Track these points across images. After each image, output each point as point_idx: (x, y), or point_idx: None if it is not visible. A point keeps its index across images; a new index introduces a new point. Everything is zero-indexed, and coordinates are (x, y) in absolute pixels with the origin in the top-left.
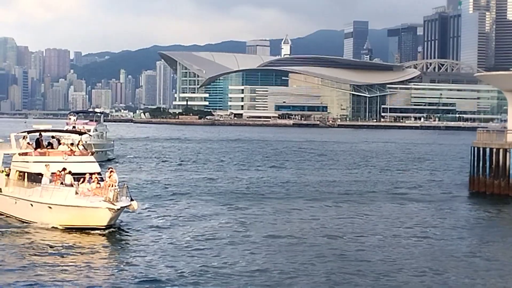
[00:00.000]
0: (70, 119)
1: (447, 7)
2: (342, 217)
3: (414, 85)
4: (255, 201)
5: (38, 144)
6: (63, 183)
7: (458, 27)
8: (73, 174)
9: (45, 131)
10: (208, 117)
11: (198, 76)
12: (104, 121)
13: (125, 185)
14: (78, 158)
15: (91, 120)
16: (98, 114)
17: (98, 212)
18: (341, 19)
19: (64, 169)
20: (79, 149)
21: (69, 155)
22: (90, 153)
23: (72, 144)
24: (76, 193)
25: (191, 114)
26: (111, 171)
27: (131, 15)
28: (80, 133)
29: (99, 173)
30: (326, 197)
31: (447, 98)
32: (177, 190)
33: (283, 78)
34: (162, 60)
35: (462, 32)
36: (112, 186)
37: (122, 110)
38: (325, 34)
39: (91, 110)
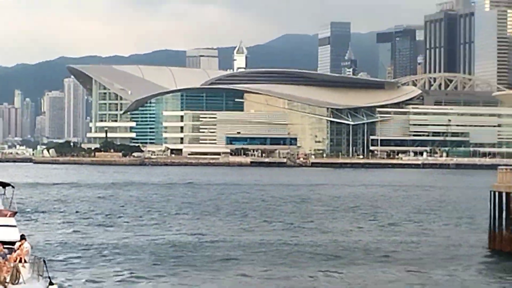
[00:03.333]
0: None
1: (456, 3)
2: None
3: (413, 108)
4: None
5: None
6: None
7: (471, 29)
8: None
9: None
10: (135, 154)
11: (121, 99)
12: None
13: (41, 260)
14: None
15: None
16: None
17: None
18: (314, 21)
19: None
20: None
21: None
22: (9, 214)
23: None
24: None
25: (112, 151)
26: (21, 239)
27: (25, 16)
28: (3, 185)
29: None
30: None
31: (458, 125)
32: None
33: (236, 100)
34: (72, 76)
35: (476, 37)
36: (19, 260)
37: (17, 146)
38: (293, 39)
39: None
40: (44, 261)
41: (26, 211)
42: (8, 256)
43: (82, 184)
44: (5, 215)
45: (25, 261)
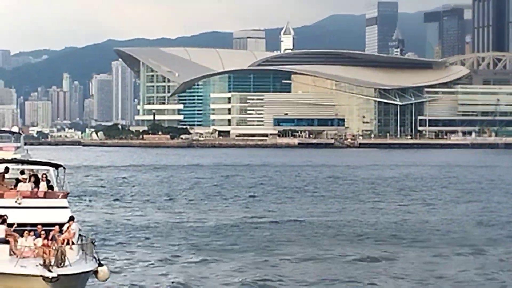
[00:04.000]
0: None
1: None
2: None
3: (462, 88)
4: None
5: None
6: None
7: None
8: (18, 225)
9: (5, 161)
10: (183, 136)
11: (169, 81)
12: (25, 144)
13: (90, 241)
14: (34, 201)
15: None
16: (17, 134)
17: (30, 283)
18: (361, 0)
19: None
20: (47, 188)
21: (27, 197)
22: (61, 195)
23: (43, 180)
24: (12, 253)
25: (160, 133)
26: (69, 220)
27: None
28: (56, 166)
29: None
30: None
31: (507, 105)
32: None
33: (284, 81)
34: (120, 59)
35: None
36: (67, 242)
37: (66, 129)
38: (340, 20)
39: (5, 129)
40: (93, 242)
41: (80, 193)
42: (56, 238)
43: (144, 165)
44: (58, 197)
45: (72, 243)
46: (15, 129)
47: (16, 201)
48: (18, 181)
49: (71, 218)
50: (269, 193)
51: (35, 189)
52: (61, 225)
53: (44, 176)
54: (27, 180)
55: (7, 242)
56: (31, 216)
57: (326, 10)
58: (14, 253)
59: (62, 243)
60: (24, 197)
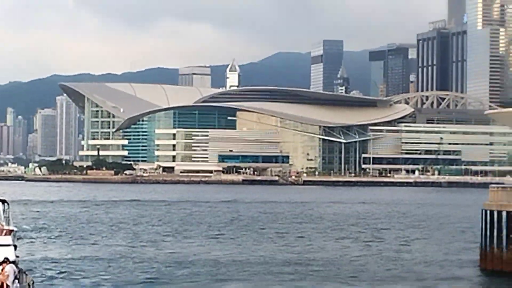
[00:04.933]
0: None
1: (448, 22)
2: None
3: (406, 126)
4: None
5: None
6: None
7: (463, 48)
8: None
9: None
10: (127, 172)
11: (113, 116)
12: None
13: (28, 282)
14: None
15: None
16: None
17: None
18: (306, 38)
19: None
20: None
21: None
22: (5, 232)
23: None
24: None
25: (104, 168)
26: (2, 262)
27: (18, 34)
28: (1, 201)
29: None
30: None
31: (450, 144)
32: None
33: (229, 118)
34: (65, 94)
35: (468, 55)
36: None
37: (9, 164)
38: (286, 58)
39: None
40: (32, 283)
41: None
42: None
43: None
44: (1, 233)
45: (7, 286)
46: None
47: None
48: None
49: (4, 260)
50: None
51: None
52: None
53: None
54: None
55: None
56: None
57: (272, 48)
58: None
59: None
60: None
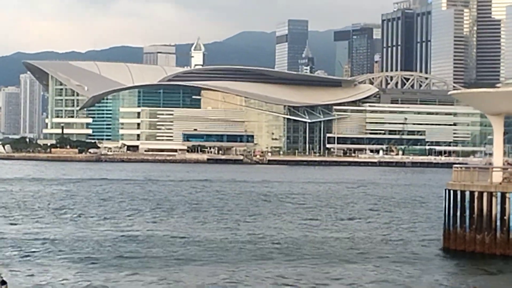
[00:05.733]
0: None
1: (413, 2)
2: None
3: (370, 106)
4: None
5: None
6: None
7: (428, 28)
8: None
9: None
10: (91, 150)
11: (78, 95)
12: None
13: None
14: None
15: None
16: None
17: None
18: (271, 18)
19: None
20: None
21: None
22: None
23: None
24: None
25: (68, 147)
26: None
27: None
28: None
29: None
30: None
31: (414, 124)
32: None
33: (193, 97)
34: (28, 72)
35: (432, 36)
36: None
37: None
38: (250, 37)
39: None
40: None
41: None
42: None
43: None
44: None
45: None
46: None
47: None
48: None
49: None
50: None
51: None
52: None
53: None
54: None
55: None
56: None
57: (237, 27)
58: None
59: None
60: None
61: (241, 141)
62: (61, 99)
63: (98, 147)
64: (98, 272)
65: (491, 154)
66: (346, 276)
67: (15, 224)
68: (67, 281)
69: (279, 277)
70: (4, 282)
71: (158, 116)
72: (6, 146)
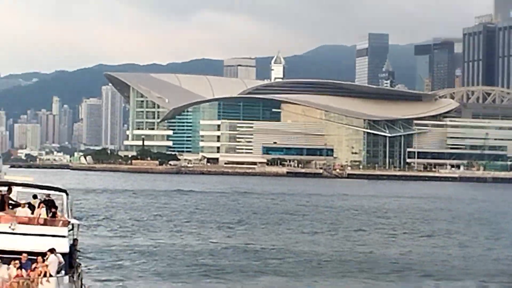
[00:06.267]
0: None
1: (495, 17)
2: None
3: (451, 121)
4: None
5: (3, 205)
6: None
7: (510, 43)
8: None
9: (13, 184)
10: (171, 162)
11: (158, 107)
12: (13, 167)
13: (76, 271)
14: (29, 228)
15: None
16: None
17: None
18: (352, 31)
19: None
20: (47, 215)
21: (24, 223)
22: (61, 223)
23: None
24: None
25: (148, 158)
26: (49, 251)
27: (65, 24)
28: (61, 190)
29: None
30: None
31: (495, 139)
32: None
33: (273, 110)
34: (110, 84)
35: None
36: (40, 274)
37: (55, 152)
38: (330, 50)
39: None
40: (78, 274)
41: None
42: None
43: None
44: (57, 224)
45: (50, 275)
46: None
47: (10, 227)
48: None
49: (51, 250)
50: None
51: (35, 215)
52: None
53: (46, 201)
54: (38, 205)
55: None
56: (17, 244)
57: (317, 40)
58: None
59: (39, 275)
60: (21, 223)
61: (320, 155)
62: (142, 111)
63: (178, 159)
64: (180, 282)
65: None
66: None
67: (107, 235)
68: None
69: None
70: (52, 250)
71: (238, 128)
72: (87, 157)
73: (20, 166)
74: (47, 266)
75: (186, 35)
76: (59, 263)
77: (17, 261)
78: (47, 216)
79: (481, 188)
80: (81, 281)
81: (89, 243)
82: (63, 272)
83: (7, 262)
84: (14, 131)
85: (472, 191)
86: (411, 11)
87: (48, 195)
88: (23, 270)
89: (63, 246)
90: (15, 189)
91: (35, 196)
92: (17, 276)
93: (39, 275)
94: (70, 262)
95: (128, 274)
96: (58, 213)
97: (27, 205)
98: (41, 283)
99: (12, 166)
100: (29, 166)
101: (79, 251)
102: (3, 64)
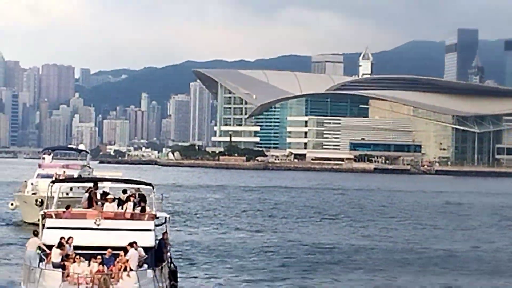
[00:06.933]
0: (44, 158)
1: None
2: None
3: None
4: None
5: (91, 201)
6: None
7: None
8: (82, 248)
9: (101, 180)
10: (259, 158)
11: (246, 103)
12: (102, 162)
13: (160, 268)
14: (114, 223)
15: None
16: (83, 152)
17: None
18: (440, 27)
19: (69, 238)
20: (135, 209)
21: (110, 218)
22: (147, 217)
23: (130, 200)
24: (65, 279)
25: (236, 154)
26: (129, 245)
27: (154, 21)
28: (147, 184)
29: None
30: None
31: None
32: None
33: (361, 106)
34: (198, 80)
35: None
36: (124, 268)
37: (143, 148)
38: (419, 46)
39: (73, 146)
40: (165, 269)
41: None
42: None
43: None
44: (143, 218)
45: (131, 269)
46: (81, 147)
47: (95, 222)
48: (120, 202)
49: (131, 244)
50: None
51: (123, 210)
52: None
53: (133, 196)
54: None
55: (63, 267)
56: (102, 239)
57: (405, 36)
58: (67, 280)
59: (119, 270)
60: (107, 218)
61: (408, 151)
62: (230, 107)
63: (266, 155)
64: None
65: None
66: None
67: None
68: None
69: None
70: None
71: (325, 125)
72: (175, 153)
73: (109, 162)
74: (127, 260)
75: (274, 31)
76: (142, 257)
77: (99, 257)
78: (134, 210)
79: None
80: (170, 275)
81: (180, 238)
82: (145, 266)
83: (89, 258)
84: (103, 127)
85: None
86: (501, 6)
87: (138, 189)
88: (104, 266)
89: (148, 240)
90: (104, 184)
91: (124, 191)
92: (98, 271)
93: (119, 269)
94: (159, 256)
95: (221, 271)
96: (147, 207)
97: (116, 200)
98: (122, 277)
99: (101, 162)
100: (118, 162)
101: (170, 245)
102: (93, 61)
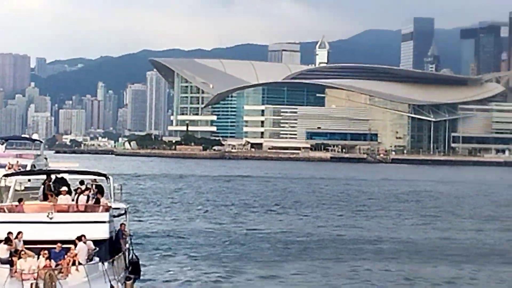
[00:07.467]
0: None
1: None
2: None
3: (496, 105)
4: None
5: (46, 194)
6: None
7: None
8: (32, 242)
9: (54, 172)
10: (216, 147)
11: (203, 92)
12: (57, 152)
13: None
14: (68, 216)
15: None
16: (37, 141)
17: None
18: (397, 16)
19: (19, 233)
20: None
21: (63, 210)
22: (103, 209)
23: (84, 193)
24: (13, 275)
25: (192, 144)
26: (77, 239)
27: (110, 10)
28: (101, 175)
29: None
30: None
31: None
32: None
33: (318, 95)
34: (155, 70)
35: None
36: (71, 262)
37: (99, 138)
38: (375, 35)
39: (26, 136)
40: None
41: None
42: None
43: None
44: (98, 210)
45: (79, 263)
46: (35, 136)
47: (48, 216)
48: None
49: (79, 237)
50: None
51: (75, 202)
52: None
53: (91, 187)
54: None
55: (11, 263)
56: (52, 233)
57: (362, 25)
58: (13, 275)
59: (67, 264)
60: (60, 211)
61: (364, 140)
62: (186, 97)
63: (222, 145)
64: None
65: None
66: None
67: (153, 221)
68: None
69: None
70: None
71: (282, 114)
72: (132, 143)
73: (65, 152)
74: (76, 254)
75: (231, 20)
76: (92, 250)
77: (45, 251)
78: (88, 202)
79: None
80: (129, 266)
81: (137, 227)
82: (96, 259)
83: (39, 253)
84: (59, 116)
85: None
86: None
87: (95, 180)
88: (53, 260)
89: (101, 232)
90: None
91: (82, 182)
92: (45, 266)
93: (68, 264)
94: (116, 248)
95: (180, 259)
96: (103, 199)
97: (73, 192)
98: (70, 272)
99: (57, 152)
100: (74, 152)
101: (131, 235)
102: (49, 50)
